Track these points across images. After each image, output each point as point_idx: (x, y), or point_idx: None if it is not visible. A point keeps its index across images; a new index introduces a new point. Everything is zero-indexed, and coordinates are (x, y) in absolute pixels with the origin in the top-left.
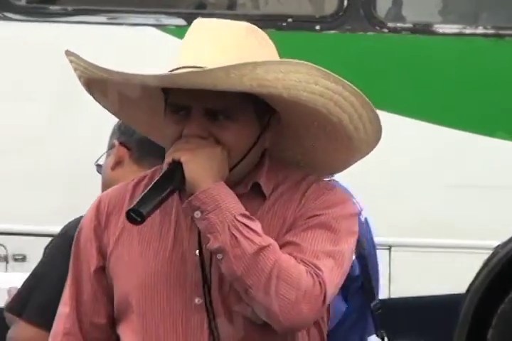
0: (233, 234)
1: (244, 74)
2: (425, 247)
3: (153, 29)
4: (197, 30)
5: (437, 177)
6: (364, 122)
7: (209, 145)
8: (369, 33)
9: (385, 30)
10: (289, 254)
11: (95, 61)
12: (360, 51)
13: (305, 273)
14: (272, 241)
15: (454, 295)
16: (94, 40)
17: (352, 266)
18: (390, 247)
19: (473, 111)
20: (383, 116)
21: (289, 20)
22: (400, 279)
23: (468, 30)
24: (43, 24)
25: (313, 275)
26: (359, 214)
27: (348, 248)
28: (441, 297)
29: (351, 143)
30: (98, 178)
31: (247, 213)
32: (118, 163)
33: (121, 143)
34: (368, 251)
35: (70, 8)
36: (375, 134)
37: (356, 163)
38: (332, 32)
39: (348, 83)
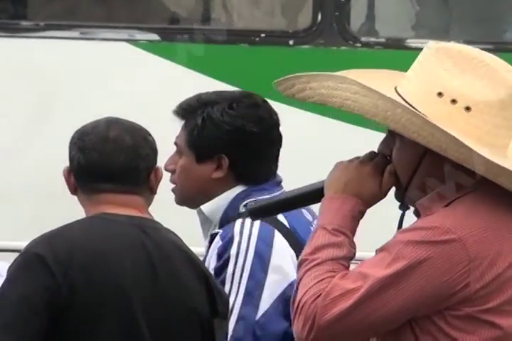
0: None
1: (304, 88)
2: None
3: (126, 44)
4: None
5: None
6: (428, 132)
7: (358, 161)
8: (342, 48)
9: (358, 44)
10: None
11: (66, 75)
12: (333, 66)
13: (313, 290)
14: (320, 256)
15: None
16: (65, 55)
17: None
18: None
19: None
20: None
21: (262, 35)
22: None
23: None
24: (14, 39)
25: (317, 296)
26: (442, 242)
27: (387, 273)
28: None
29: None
30: (66, 195)
31: (329, 227)
32: None
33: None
34: None
35: (41, 24)
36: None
37: None
38: (305, 46)
39: (399, 101)
